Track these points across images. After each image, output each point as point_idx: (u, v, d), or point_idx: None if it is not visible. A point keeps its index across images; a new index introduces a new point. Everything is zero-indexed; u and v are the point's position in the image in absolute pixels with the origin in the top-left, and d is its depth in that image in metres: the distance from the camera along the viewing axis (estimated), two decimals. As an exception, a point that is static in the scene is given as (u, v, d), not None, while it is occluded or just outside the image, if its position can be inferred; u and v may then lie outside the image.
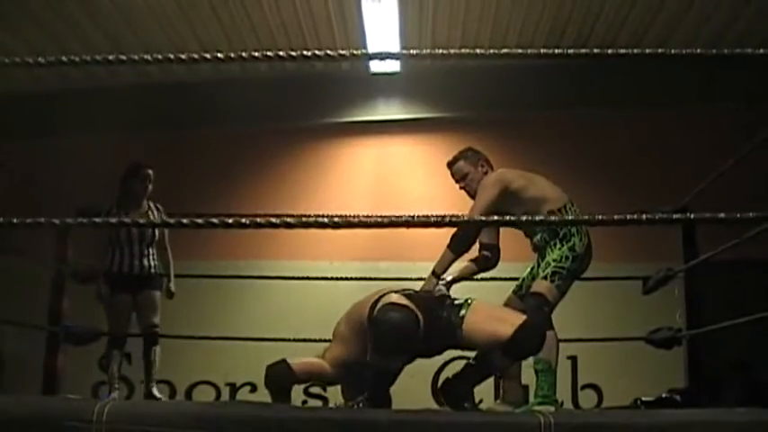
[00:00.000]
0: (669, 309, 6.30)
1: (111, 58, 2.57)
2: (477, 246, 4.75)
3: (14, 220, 2.55)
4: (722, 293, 6.85)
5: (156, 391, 6.20)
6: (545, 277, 4.42)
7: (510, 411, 4.36)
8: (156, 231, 6.25)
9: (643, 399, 6.07)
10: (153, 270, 6.23)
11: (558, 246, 4.43)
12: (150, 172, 6.27)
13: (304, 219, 2.25)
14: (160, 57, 2.55)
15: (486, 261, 4.86)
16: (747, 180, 6.70)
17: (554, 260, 4.42)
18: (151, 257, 6.25)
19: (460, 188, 4.88)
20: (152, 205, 6.34)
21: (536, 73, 8.48)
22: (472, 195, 4.76)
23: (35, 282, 6.68)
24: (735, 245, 4.76)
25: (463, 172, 4.85)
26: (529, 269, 4.67)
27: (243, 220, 2.28)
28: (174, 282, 6.35)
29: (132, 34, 8.00)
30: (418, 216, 2.33)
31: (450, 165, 4.93)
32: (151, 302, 6.19)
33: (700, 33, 8.00)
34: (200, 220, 2.32)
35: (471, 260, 4.86)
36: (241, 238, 8.33)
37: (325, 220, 2.17)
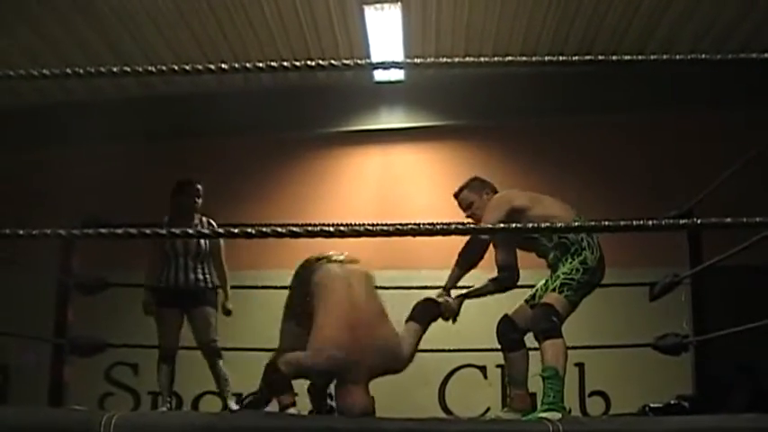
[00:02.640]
0: (676, 315, 6.27)
1: (115, 69, 2.57)
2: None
3: (20, 232, 2.54)
4: (729, 299, 6.83)
5: (232, 404, 6.18)
6: (554, 289, 4.42)
7: (517, 419, 4.34)
8: (209, 246, 6.11)
9: (651, 405, 6.04)
10: (204, 284, 6.13)
11: (570, 260, 4.43)
12: (199, 187, 6.22)
13: (309, 228, 2.24)
14: (164, 68, 2.55)
15: (504, 281, 4.83)
16: (754, 184, 6.70)
17: (564, 273, 4.42)
18: (203, 272, 6.14)
19: (467, 217, 4.89)
20: (204, 220, 6.20)
21: (540, 80, 8.48)
22: (478, 224, 4.79)
23: (40, 293, 6.68)
24: (741, 249, 4.75)
25: (468, 201, 4.86)
26: (543, 281, 4.67)
27: (248, 230, 2.27)
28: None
29: (135, 45, 8.02)
30: (423, 224, 2.32)
31: (456, 195, 4.95)
32: (205, 319, 6.09)
33: (705, 36, 7.99)
34: (205, 230, 2.32)
35: (491, 279, 4.87)
36: (247, 249, 8.32)
37: (331, 228, 2.16)
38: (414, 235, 2.25)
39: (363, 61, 2.69)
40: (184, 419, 3.54)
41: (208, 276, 6.16)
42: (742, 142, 4.96)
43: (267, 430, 3.14)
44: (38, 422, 3.13)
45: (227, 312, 6.23)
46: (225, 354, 6.30)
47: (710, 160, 6.50)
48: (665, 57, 2.72)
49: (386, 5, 7.50)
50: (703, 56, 2.87)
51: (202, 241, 6.05)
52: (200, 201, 6.21)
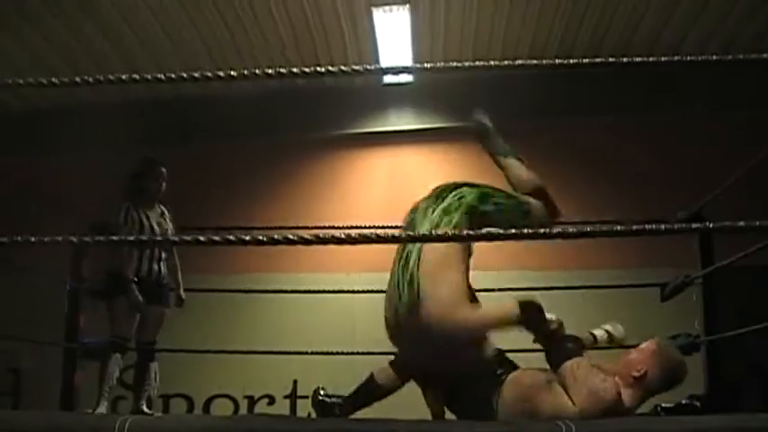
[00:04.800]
0: (687, 315, 6.25)
1: (124, 77, 2.57)
2: None
3: (32, 239, 2.54)
4: (741, 299, 6.81)
5: (145, 408, 5.86)
6: None
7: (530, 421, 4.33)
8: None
9: (663, 405, 6.01)
10: (164, 278, 5.88)
11: None
12: (164, 170, 5.93)
13: (321, 235, 2.24)
14: (173, 76, 2.54)
15: None
16: (764, 184, 6.68)
17: None
18: (163, 263, 5.87)
19: None
20: (162, 208, 6.00)
21: (548, 82, 8.47)
22: None
23: (51, 298, 6.69)
24: (756, 250, 4.74)
25: None
26: None
27: (260, 237, 2.27)
28: (189, 295, 6.12)
29: (143, 49, 8.03)
30: (436, 232, 2.32)
31: None
32: (159, 318, 5.87)
33: (713, 36, 7.97)
34: (217, 238, 2.32)
35: None
36: (258, 252, 8.32)
37: (342, 235, 2.16)
38: (424, 241, 2.25)
39: (373, 66, 2.69)
40: (200, 423, 3.54)
41: (164, 269, 5.89)
42: (746, 143, 4.96)
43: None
44: (52, 426, 3.13)
45: (181, 303, 5.99)
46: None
47: (716, 161, 6.50)
48: (675, 58, 2.71)
49: (394, 7, 7.51)
50: (713, 57, 2.87)
51: (167, 230, 5.87)
52: (164, 185, 5.91)
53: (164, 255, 5.90)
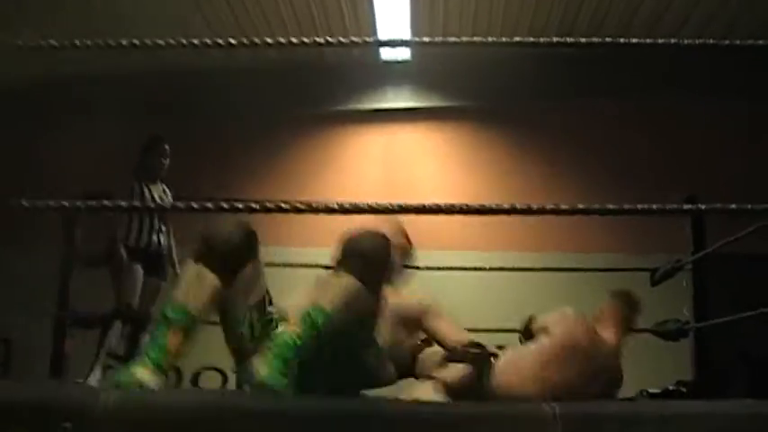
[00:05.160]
0: (677, 300, 6.27)
1: (124, 42, 2.57)
2: None
3: (25, 203, 2.54)
4: (731, 286, 6.83)
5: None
6: None
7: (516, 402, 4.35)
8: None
9: (649, 390, 6.04)
10: (164, 250, 6.03)
11: None
12: (167, 147, 6.09)
13: (314, 204, 2.24)
14: (173, 41, 2.55)
15: None
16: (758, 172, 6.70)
17: None
18: (162, 234, 6.02)
19: None
20: (164, 186, 6.15)
21: (546, 63, 8.47)
22: None
23: (43, 268, 6.68)
24: (745, 235, 4.75)
25: None
26: None
27: (252, 205, 2.28)
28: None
29: (144, 21, 8.01)
30: (428, 204, 2.32)
31: None
32: (155, 290, 6.01)
33: (714, 19, 7.95)
34: (209, 204, 2.32)
35: None
36: (257, 225, 8.33)
37: (335, 206, 2.17)
38: (417, 213, 2.26)
39: (371, 39, 2.68)
40: (192, 397, 3.53)
41: (164, 242, 6.05)
42: (745, 131, 4.96)
43: (273, 410, 3.13)
44: (37, 396, 3.12)
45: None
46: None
47: (714, 148, 6.49)
48: (672, 41, 2.71)
49: (394, -12, 7.51)
50: (710, 41, 2.87)
51: (164, 203, 5.98)
52: (167, 162, 6.08)
53: (163, 228, 5.95)
